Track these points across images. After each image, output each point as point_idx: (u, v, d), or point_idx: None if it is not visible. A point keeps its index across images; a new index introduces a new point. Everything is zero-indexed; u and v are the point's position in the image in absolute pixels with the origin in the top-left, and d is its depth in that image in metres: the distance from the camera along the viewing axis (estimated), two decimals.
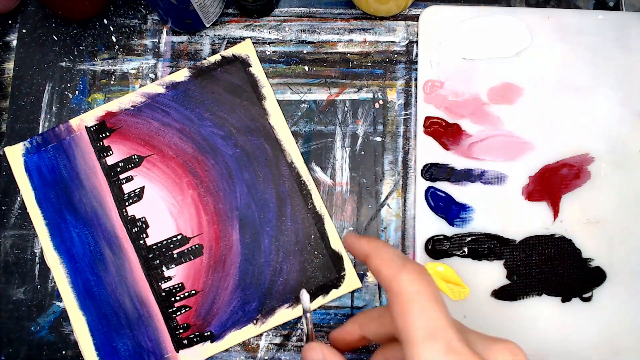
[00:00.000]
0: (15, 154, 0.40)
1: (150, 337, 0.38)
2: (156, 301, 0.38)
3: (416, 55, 0.42)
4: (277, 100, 0.41)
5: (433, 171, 0.39)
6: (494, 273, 0.38)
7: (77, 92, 0.42)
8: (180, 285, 0.38)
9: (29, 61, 0.42)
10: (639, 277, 0.38)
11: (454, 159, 0.39)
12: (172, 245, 0.39)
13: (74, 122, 0.40)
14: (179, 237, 0.39)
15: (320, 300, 0.38)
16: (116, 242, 0.39)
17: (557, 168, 0.39)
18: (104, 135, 0.40)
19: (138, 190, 0.40)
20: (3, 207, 0.40)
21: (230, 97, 0.41)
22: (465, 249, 0.38)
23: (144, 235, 0.39)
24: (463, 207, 0.39)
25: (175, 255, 0.39)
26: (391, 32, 0.42)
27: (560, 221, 0.39)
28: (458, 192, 0.39)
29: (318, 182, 0.40)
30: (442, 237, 0.38)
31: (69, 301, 0.38)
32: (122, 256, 0.39)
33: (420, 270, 0.24)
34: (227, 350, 0.38)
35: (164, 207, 0.39)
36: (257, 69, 0.41)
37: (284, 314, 0.38)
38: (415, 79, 0.41)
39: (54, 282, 0.39)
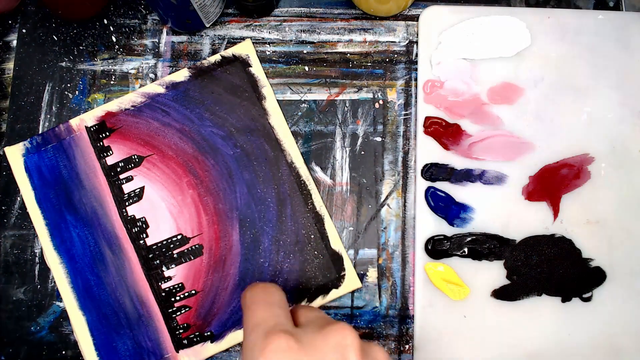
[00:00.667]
0: (15, 154, 0.40)
1: (150, 337, 0.38)
2: (156, 301, 0.38)
3: (416, 55, 0.42)
4: (277, 100, 0.41)
5: (433, 171, 0.39)
6: (494, 273, 0.38)
7: (77, 92, 0.42)
8: (180, 285, 0.38)
9: (29, 61, 0.42)
10: (639, 277, 0.38)
11: (454, 159, 0.39)
12: (172, 245, 0.39)
13: (74, 122, 0.40)
14: (179, 237, 0.39)
15: (320, 300, 0.38)
16: (116, 242, 0.39)
17: (557, 168, 0.39)
18: (104, 135, 0.40)
19: (138, 190, 0.40)
20: (3, 207, 0.40)
21: (230, 97, 0.41)
22: (465, 249, 0.38)
23: (144, 235, 0.39)
24: (463, 207, 0.39)
25: (175, 255, 0.39)
26: (391, 32, 0.42)
27: (560, 221, 0.39)
28: (458, 192, 0.39)
29: (318, 182, 0.40)
30: (442, 237, 0.38)
31: (69, 301, 0.38)
32: (122, 256, 0.39)
33: None
34: (227, 350, 0.38)
35: (164, 207, 0.39)
36: (257, 69, 0.41)
37: None
38: (415, 79, 0.41)
39: (54, 282, 0.39)
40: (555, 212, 0.39)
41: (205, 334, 0.38)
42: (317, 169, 0.40)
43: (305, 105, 0.41)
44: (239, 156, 0.40)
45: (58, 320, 0.39)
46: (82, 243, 0.39)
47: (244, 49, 0.41)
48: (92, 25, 0.43)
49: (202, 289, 0.38)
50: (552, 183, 0.39)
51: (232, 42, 0.42)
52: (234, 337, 0.38)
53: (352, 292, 0.39)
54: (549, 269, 0.38)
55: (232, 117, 0.40)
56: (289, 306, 0.28)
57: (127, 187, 0.40)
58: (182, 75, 0.41)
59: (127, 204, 0.39)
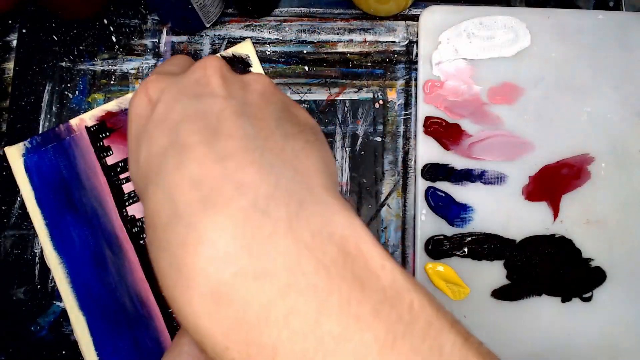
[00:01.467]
0: (15, 154, 0.40)
1: (151, 337, 0.38)
2: (156, 301, 0.38)
3: (416, 55, 0.42)
4: None
5: (433, 171, 0.39)
6: (494, 273, 0.38)
7: (77, 92, 0.42)
8: None
9: (29, 61, 0.42)
10: (639, 277, 0.38)
11: (454, 159, 0.39)
12: None
13: (74, 122, 0.40)
14: None
15: None
16: (116, 242, 0.39)
17: (557, 168, 0.39)
18: (104, 135, 0.40)
19: None
20: (3, 207, 0.40)
21: None
22: (465, 249, 0.38)
23: (144, 235, 0.39)
24: (463, 207, 0.39)
25: None
26: (391, 32, 0.42)
27: (561, 221, 0.39)
28: (458, 192, 0.39)
29: None
30: (442, 237, 0.38)
31: (69, 301, 0.38)
32: (122, 256, 0.39)
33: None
34: None
35: None
36: (257, 69, 0.41)
37: None
38: (415, 79, 0.41)
39: (54, 282, 0.39)
40: (555, 212, 0.39)
41: None
42: None
43: (305, 105, 0.41)
44: None
45: (58, 321, 0.39)
46: (82, 243, 0.39)
47: (244, 49, 0.41)
48: (92, 25, 0.43)
49: None
50: (552, 183, 0.39)
51: (232, 42, 0.42)
52: None
53: None
54: (549, 269, 0.38)
55: None
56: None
57: (127, 187, 0.40)
58: None
59: (127, 204, 0.39)
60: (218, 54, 0.41)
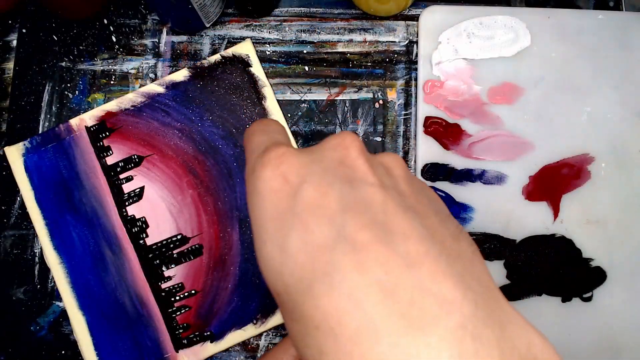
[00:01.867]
0: (15, 153, 0.40)
1: (150, 337, 0.38)
2: (156, 301, 0.38)
3: (416, 55, 0.42)
4: (277, 100, 0.41)
5: (433, 171, 0.39)
6: (494, 273, 0.38)
7: (77, 92, 0.42)
8: (180, 285, 0.38)
9: (29, 61, 0.42)
10: (639, 277, 0.38)
11: (454, 159, 0.39)
12: (172, 245, 0.39)
13: (74, 122, 0.40)
14: (178, 237, 0.39)
15: None
16: (116, 242, 0.39)
17: (557, 168, 0.39)
18: (103, 135, 0.40)
19: (138, 190, 0.39)
20: (3, 207, 0.40)
21: (231, 97, 0.41)
22: None
23: (144, 235, 0.39)
24: (463, 207, 0.39)
25: (175, 255, 0.39)
26: (391, 32, 0.42)
27: (561, 221, 0.39)
28: (458, 192, 0.39)
29: None
30: None
31: (69, 301, 0.38)
32: (122, 256, 0.39)
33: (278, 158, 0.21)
34: (227, 350, 0.38)
35: (163, 207, 0.39)
36: (257, 69, 0.41)
37: None
38: (415, 79, 0.41)
39: (54, 282, 0.39)
40: (556, 212, 0.39)
41: (205, 334, 0.38)
42: None
43: (305, 105, 0.41)
44: (239, 156, 0.40)
45: (58, 320, 0.39)
46: (82, 243, 0.39)
47: (244, 49, 0.41)
48: (92, 25, 0.43)
49: (202, 289, 0.38)
50: (552, 183, 0.39)
51: (232, 42, 0.42)
52: (233, 337, 0.38)
53: None
54: (549, 269, 0.38)
55: (232, 117, 0.40)
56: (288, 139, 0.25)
57: (127, 187, 0.40)
58: (182, 75, 0.41)
59: (127, 203, 0.39)
60: (217, 54, 0.41)
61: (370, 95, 0.41)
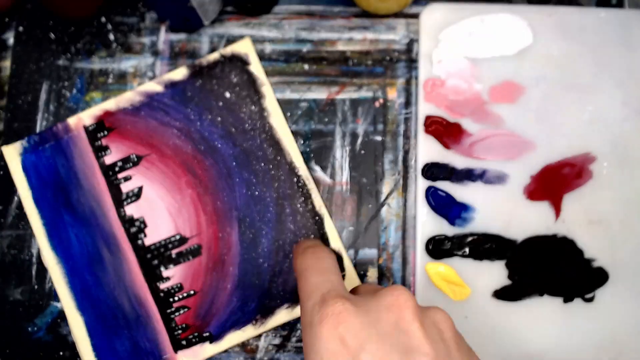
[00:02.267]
0: (13, 153, 0.40)
1: (149, 338, 0.37)
2: (154, 301, 0.38)
3: (417, 53, 0.41)
4: (277, 98, 0.41)
5: (434, 170, 0.39)
6: (495, 273, 0.38)
7: (74, 90, 0.41)
8: (178, 285, 0.38)
9: (25, 59, 0.42)
10: None
11: (455, 158, 0.39)
12: (170, 245, 0.38)
13: (72, 121, 0.40)
14: (177, 237, 0.39)
15: None
16: (114, 242, 0.39)
17: (559, 167, 0.39)
18: (102, 134, 0.40)
19: (136, 189, 0.39)
20: (0, 207, 0.40)
21: (230, 96, 0.40)
22: (467, 249, 0.38)
23: (142, 235, 0.39)
24: (464, 207, 0.38)
25: (173, 256, 0.38)
26: (392, 30, 0.42)
27: (562, 221, 0.38)
28: (459, 191, 0.39)
29: (318, 181, 0.40)
30: (443, 237, 0.38)
31: (67, 302, 0.38)
32: (120, 256, 0.38)
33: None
34: (226, 351, 0.38)
35: (162, 207, 0.39)
36: (256, 68, 0.41)
37: (283, 315, 0.38)
38: (416, 78, 0.41)
39: (52, 283, 0.39)
40: (557, 212, 0.38)
41: (204, 335, 0.37)
42: (316, 168, 0.40)
43: (305, 104, 0.41)
44: (238, 155, 0.40)
45: (55, 321, 0.38)
46: (80, 243, 0.38)
47: (243, 47, 0.41)
48: (90, 23, 0.42)
49: (200, 290, 0.38)
50: (553, 182, 0.39)
51: (231, 40, 0.42)
52: (232, 338, 0.37)
53: None
54: (551, 269, 0.38)
55: (231, 115, 0.40)
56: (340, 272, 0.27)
57: (126, 187, 0.39)
58: (181, 73, 0.41)
59: (125, 203, 0.39)
60: (216, 52, 0.41)
61: (370, 94, 0.41)
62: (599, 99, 0.40)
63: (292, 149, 0.40)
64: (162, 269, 0.38)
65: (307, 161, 0.40)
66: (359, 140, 0.41)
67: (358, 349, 0.20)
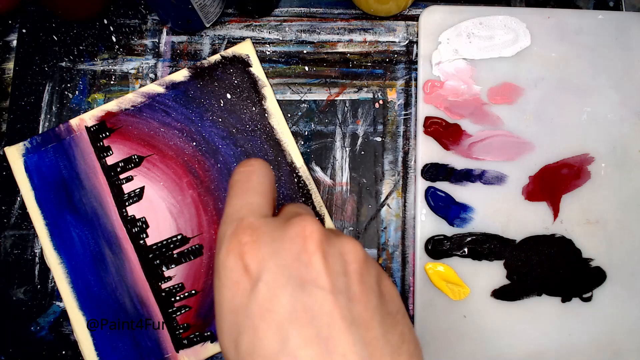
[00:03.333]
0: (15, 154, 0.40)
1: (150, 337, 0.38)
2: (156, 301, 0.38)
3: (416, 55, 0.42)
4: (277, 100, 0.41)
5: (433, 171, 0.39)
6: (494, 273, 0.38)
7: (77, 92, 0.42)
8: (180, 285, 0.38)
9: (29, 61, 0.42)
10: (639, 277, 0.38)
11: (454, 159, 0.39)
12: (172, 245, 0.39)
13: (74, 122, 0.40)
14: (179, 237, 0.39)
15: None
16: (116, 242, 0.39)
17: (557, 168, 0.39)
18: (104, 135, 0.40)
19: (138, 190, 0.39)
20: (3, 207, 0.40)
21: (231, 97, 0.41)
22: (466, 249, 0.38)
23: (144, 236, 0.39)
24: (463, 207, 0.39)
25: (175, 255, 0.39)
26: (391, 32, 0.42)
27: (560, 221, 0.39)
28: (458, 192, 0.39)
29: (318, 182, 0.40)
30: (442, 237, 0.38)
31: (69, 301, 0.38)
32: (122, 256, 0.39)
33: None
34: None
35: (164, 207, 0.39)
36: (257, 69, 0.41)
37: None
38: (415, 79, 0.41)
39: (54, 282, 0.39)
40: (555, 212, 0.39)
41: (205, 334, 0.38)
42: (317, 169, 0.40)
43: (305, 105, 0.41)
44: (239, 156, 0.40)
45: (58, 321, 0.39)
46: (82, 243, 0.39)
47: (244, 49, 0.41)
48: (92, 25, 0.43)
49: (202, 289, 0.38)
50: (552, 183, 0.39)
51: (232, 42, 0.42)
52: None
53: None
54: (549, 269, 0.38)
55: (232, 117, 0.40)
56: (273, 188, 0.26)
57: (127, 187, 0.40)
58: (182, 75, 0.41)
59: (127, 204, 0.39)
60: (218, 54, 0.41)
61: (370, 95, 0.41)
62: (597, 100, 0.40)
63: (293, 150, 0.40)
64: (164, 268, 0.38)
65: (307, 162, 0.40)
66: (359, 141, 0.41)
67: (256, 279, 0.21)
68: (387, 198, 0.40)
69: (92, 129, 0.40)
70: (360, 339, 0.20)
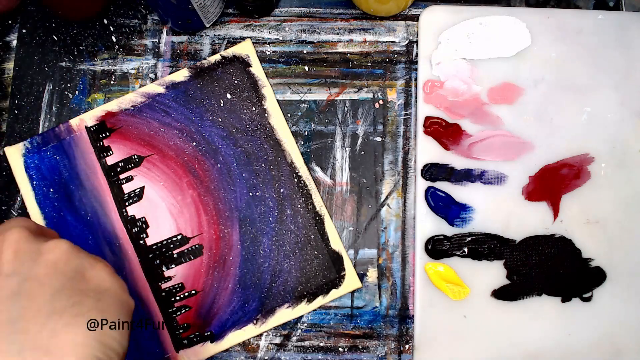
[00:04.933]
0: (16, 154, 0.40)
1: (151, 337, 0.38)
2: (156, 301, 0.38)
3: (416, 55, 0.42)
4: (277, 100, 0.41)
5: (433, 171, 0.39)
6: (494, 273, 0.38)
7: (77, 92, 0.42)
8: (180, 285, 0.38)
9: (29, 61, 0.42)
10: (639, 277, 0.38)
11: (454, 159, 0.39)
12: (172, 245, 0.39)
13: (74, 122, 0.40)
14: (179, 237, 0.39)
15: (320, 300, 0.38)
16: (116, 242, 0.39)
17: (557, 168, 0.39)
18: (104, 135, 0.40)
19: (138, 190, 0.40)
20: (3, 207, 0.40)
21: (231, 97, 0.41)
22: (465, 249, 0.38)
23: (144, 236, 0.39)
24: (463, 207, 0.39)
25: (175, 255, 0.39)
26: (391, 32, 0.42)
27: (560, 221, 0.39)
28: (458, 192, 0.39)
29: (318, 182, 0.40)
30: (442, 237, 0.38)
31: None
32: (122, 256, 0.39)
33: None
34: (227, 350, 0.38)
35: (164, 207, 0.39)
36: (257, 69, 0.41)
37: (284, 314, 0.38)
38: (415, 79, 0.41)
39: None
40: (555, 212, 0.39)
41: (205, 334, 0.38)
42: (317, 169, 0.40)
43: (305, 105, 0.41)
44: (239, 156, 0.40)
45: None
46: (82, 243, 0.39)
47: (244, 49, 0.41)
48: (92, 25, 0.43)
49: (202, 289, 0.38)
50: (552, 183, 0.39)
51: (232, 42, 0.42)
52: (233, 337, 0.38)
53: (352, 292, 0.39)
54: (549, 269, 0.38)
55: (232, 117, 0.40)
56: None
57: (127, 187, 0.40)
58: (182, 75, 0.41)
59: (127, 204, 0.39)
60: (218, 54, 0.41)
61: (370, 95, 0.41)
62: (597, 100, 0.40)
63: (293, 150, 0.40)
64: (164, 268, 0.39)
65: (307, 162, 0.40)
66: (359, 141, 0.41)
67: None
68: (387, 198, 0.40)
69: (92, 129, 0.40)
70: (19, 305, 0.24)
